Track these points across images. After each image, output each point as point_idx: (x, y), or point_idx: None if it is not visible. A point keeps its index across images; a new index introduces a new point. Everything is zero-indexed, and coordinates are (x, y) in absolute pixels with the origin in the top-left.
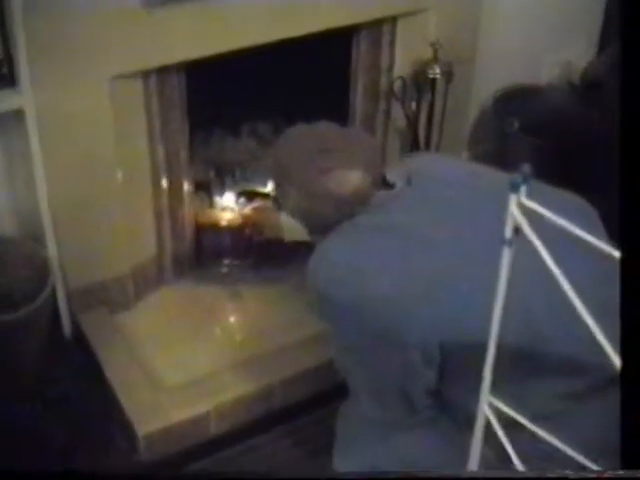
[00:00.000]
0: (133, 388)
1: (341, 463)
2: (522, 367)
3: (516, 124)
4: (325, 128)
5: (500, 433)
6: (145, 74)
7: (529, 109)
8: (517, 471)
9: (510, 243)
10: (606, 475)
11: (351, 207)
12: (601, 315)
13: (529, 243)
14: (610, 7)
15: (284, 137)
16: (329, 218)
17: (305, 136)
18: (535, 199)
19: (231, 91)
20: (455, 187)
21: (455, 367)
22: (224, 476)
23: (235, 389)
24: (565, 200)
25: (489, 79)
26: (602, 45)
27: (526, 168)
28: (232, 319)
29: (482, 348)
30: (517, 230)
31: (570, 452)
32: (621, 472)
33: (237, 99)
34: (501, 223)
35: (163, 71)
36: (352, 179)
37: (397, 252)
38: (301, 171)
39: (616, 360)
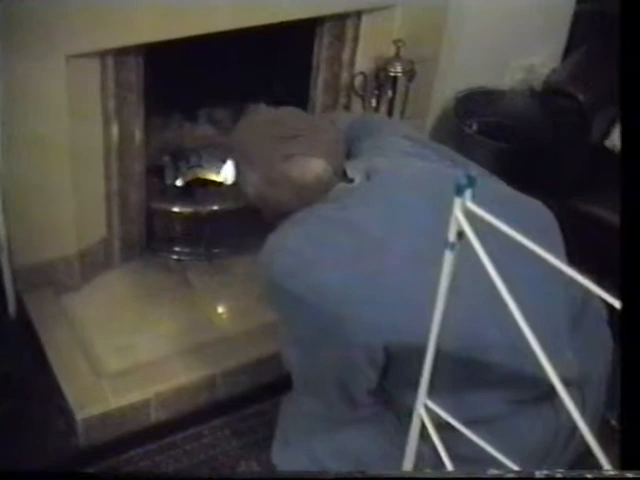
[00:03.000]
0: (74, 371)
1: (280, 455)
2: (464, 372)
3: (475, 126)
4: (289, 114)
5: (434, 435)
6: (102, 54)
7: (489, 112)
8: (513, 471)
9: (452, 247)
10: (606, 475)
11: (310, 196)
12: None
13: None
14: (577, 16)
15: (246, 120)
16: (288, 205)
17: (268, 121)
18: (491, 198)
19: (190, 76)
20: (412, 187)
21: (400, 368)
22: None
23: (178, 378)
24: (523, 201)
25: (451, 80)
26: (567, 53)
27: (472, 171)
28: (178, 307)
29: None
30: (461, 234)
31: (497, 455)
32: (621, 472)
33: (195, 84)
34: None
35: (121, 53)
36: (314, 167)
37: (349, 249)
38: (263, 156)
39: (550, 371)
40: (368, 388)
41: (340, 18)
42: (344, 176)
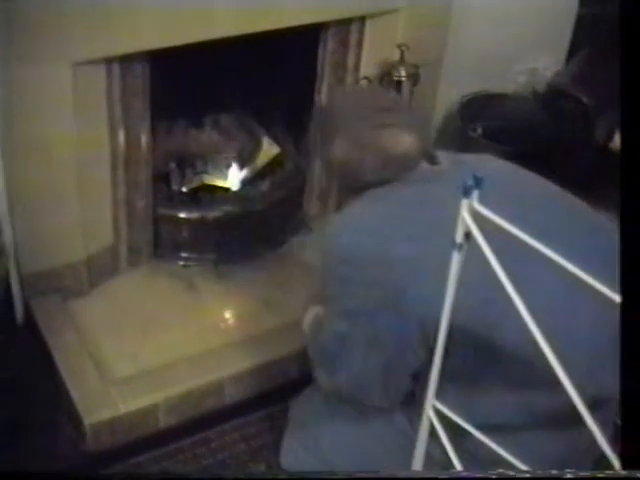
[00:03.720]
0: (82, 377)
1: (288, 458)
2: (481, 371)
3: (479, 129)
4: (380, 90)
5: (444, 437)
6: (108, 61)
7: (493, 115)
8: (517, 471)
9: (460, 248)
10: (606, 475)
11: (394, 170)
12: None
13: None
14: (580, 19)
15: (337, 91)
16: (370, 175)
17: (361, 93)
18: None
19: (195, 82)
20: (493, 180)
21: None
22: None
23: (185, 382)
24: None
25: (455, 84)
26: (570, 56)
27: (479, 174)
28: (185, 312)
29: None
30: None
31: (510, 459)
32: (621, 472)
33: (201, 90)
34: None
35: (127, 59)
36: (404, 141)
37: (422, 225)
38: (356, 123)
39: (560, 372)
40: (412, 370)
41: (344, 23)
42: (430, 160)
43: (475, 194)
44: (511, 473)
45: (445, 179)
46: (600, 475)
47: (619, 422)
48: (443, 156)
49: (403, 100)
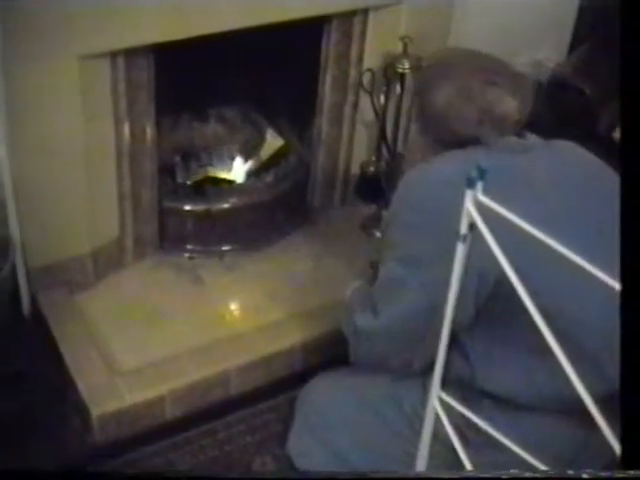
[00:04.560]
0: (88, 369)
1: (296, 446)
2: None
3: None
4: (495, 57)
5: (450, 429)
6: (113, 54)
7: None
8: (518, 472)
9: (464, 239)
10: (607, 475)
11: (490, 130)
12: None
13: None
14: (582, 11)
15: (450, 50)
16: (465, 130)
17: (475, 55)
18: None
19: (199, 75)
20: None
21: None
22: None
23: (191, 374)
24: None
25: None
26: (573, 47)
27: (482, 165)
28: (191, 304)
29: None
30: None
31: (520, 451)
32: (621, 472)
33: (205, 84)
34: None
35: (131, 53)
36: (508, 102)
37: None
38: (464, 75)
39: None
40: (457, 325)
41: (347, 15)
42: (520, 136)
43: (479, 185)
44: (516, 472)
45: (530, 155)
46: (601, 475)
47: None
48: (532, 138)
49: (509, 65)
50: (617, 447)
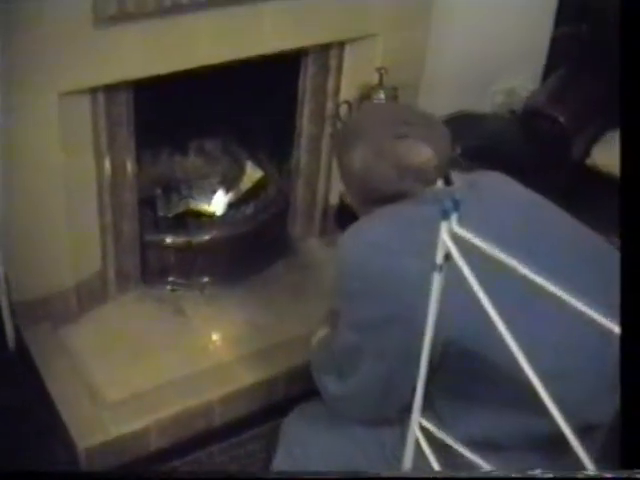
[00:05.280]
0: (74, 402)
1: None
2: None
3: (458, 149)
4: (404, 106)
5: (430, 455)
6: (93, 90)
7: (471, 135)
8: (523, 472)
9: (440, 269)
10: (606, 475)
11: (411, 182)
12: None
13: None
14: (555, 39)
15: (362, 108)
16: (386, 184)
17: (385, 108)
18: None
19: (179, 109)
20: (508, 203)
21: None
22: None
23: (176, 405)
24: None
25: (434, 104)
26: (546, 75)
27: (457, 196)
28: (174, 336)
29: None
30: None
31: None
32: (621, 472)
33: (185, 117)
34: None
35: (111, 88)
36: (422, 152)
37: (433, 242)
38: (376, 133)
39: (556, 414)
40: (415, 382)
41: (324, 48)
42: (446, 180)
43: (454, 217)
44: (515, 472)
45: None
46: (601, 475)
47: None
48: (457, 176)
49: (424, 114)
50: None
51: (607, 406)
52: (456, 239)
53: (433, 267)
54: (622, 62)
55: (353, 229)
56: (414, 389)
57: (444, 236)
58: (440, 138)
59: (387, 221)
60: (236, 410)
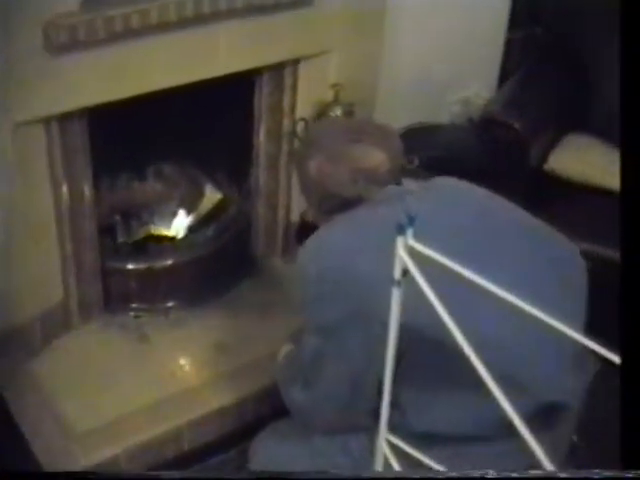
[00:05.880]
0: (43, 433)
1: None
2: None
3: (416, 161)
4: (360, 119)
5: (397, 468)
6: (47, 120)
7: (430, 146)
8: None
9: (399, 284)
10: (608, 475)
11: (364, 184)
12: None
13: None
14: (509, 43)
15: (319, 122)
16: (341, 188)
17: (340, 121)
18: None
19: (136, 134)
20: (460, 201)
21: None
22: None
23: (144, 432)
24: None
25: (391, 118)
26: (501, 82)
27: (412, 210)
28: (139, 363)
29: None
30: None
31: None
32: (621, 472)
33: (142, 142)
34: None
35: (65, 117)
36: (375, 155)
37: (385, 239)
38: (331, 139)
39: (497, 394)
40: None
41: (278, 67)
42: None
43: (410, 232)
44: (513, 472)
45: (412, 200)
46: (601, 475)
47: (575, 439)
48: (409, 183)
49: (379, 125)
50: (548, 465)
51: (570, 384)
52: (413, 253)
53: (390, 267)
54: (622, 74)
55: (312, 237)
56: (380, 392)
57: (400, 252)
58: (392, 144)
59: (342, 225)
60: (205, 434)
